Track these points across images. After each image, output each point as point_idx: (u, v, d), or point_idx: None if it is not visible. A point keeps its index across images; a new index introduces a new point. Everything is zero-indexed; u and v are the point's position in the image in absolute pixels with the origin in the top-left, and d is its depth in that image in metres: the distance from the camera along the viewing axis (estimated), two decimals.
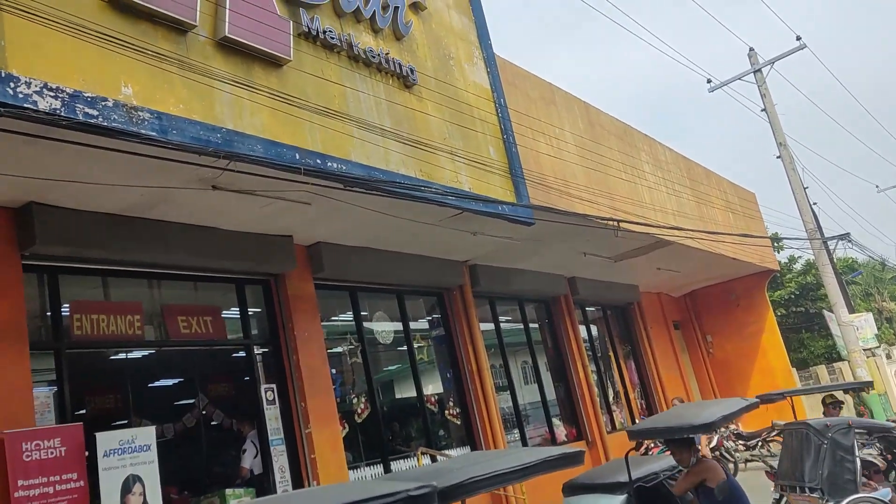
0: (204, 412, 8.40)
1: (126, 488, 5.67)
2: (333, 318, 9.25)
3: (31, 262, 5.87)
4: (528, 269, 11.93)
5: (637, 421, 14.59)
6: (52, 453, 5.42)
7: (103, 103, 4.24)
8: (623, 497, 5.47)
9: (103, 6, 4.53)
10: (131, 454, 5.76)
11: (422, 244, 9.28)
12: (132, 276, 6.76)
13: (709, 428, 5.17)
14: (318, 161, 5.64)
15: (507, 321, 12.57)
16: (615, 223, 8.78)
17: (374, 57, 6.68)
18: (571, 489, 5.88)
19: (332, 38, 6.24)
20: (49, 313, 6.07)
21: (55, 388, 5.89)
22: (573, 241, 10.46)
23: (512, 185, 7.83)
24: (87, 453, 5.59)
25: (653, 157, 12.61)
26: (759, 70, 18.65)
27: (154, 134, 4.41)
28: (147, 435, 5.96)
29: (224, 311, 7.71)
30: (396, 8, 7.16)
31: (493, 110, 8.20)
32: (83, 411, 6.69)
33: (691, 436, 5.95)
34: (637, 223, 9.46)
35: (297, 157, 5.45)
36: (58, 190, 5.61)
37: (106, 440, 5.63)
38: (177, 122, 4.66)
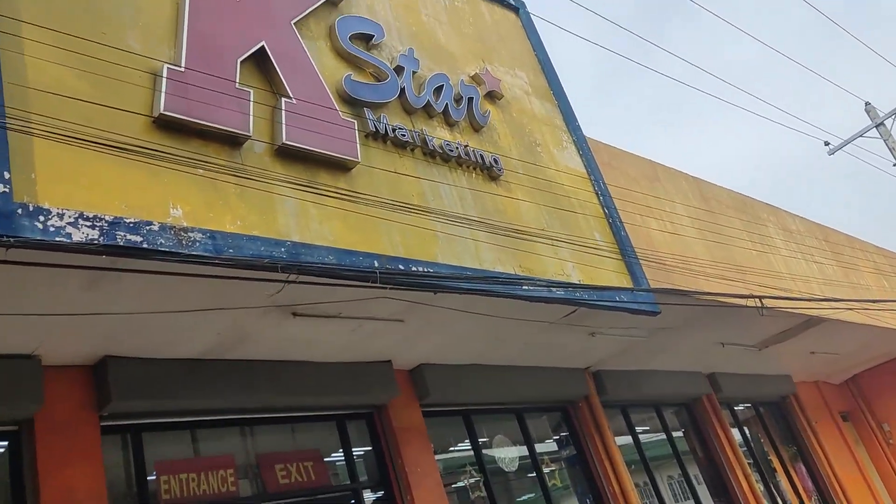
0: None
1: None
2: (449, 449, 8.28)
3: (109, 422, 5.37)
4: (660, 368, 10.62)
5: None
6: None
7: (148, 227, 3.77)
8: None
9: (149, 126, 4.18)
10: None
11: (536, 354, 8.34)
12: (221, 426, 6.16)
13: None
14: (401, 266, 4.97)
15: (646, 431, 11.13)
16: (758, 301, 7.54)
17: (451, 150, 6.12)
18: None
19: (404, 136, 5.75)
20: (133, 478, 5.48)
21: None
22: (707, 330, 9.20)
23: (626, 269, 6.87)
24: None
25: (781, 227, 11.30)
26: (882, 123, 17.16)
27: (207, 254, 3.87)
28: None
29: (326, 454, 6.94)
30: (471, 99, 6.67)
31: (593, 193, 7.41)
32: None
33: None
34: (783, 297, 8.16)
35: (376, 264, 4.80)
36: (132, 340, 5.19)
37: None
38: (234, 240, 4.14)
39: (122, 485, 5.46)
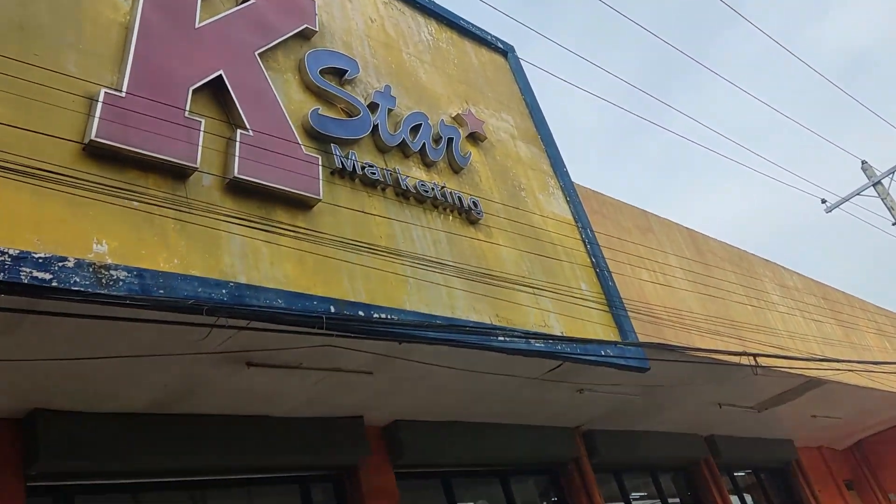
0: None
1: None
2: None
3: (37, 483, 4.85)
4: (655, 429, 10.05)
5: None
6: None
7: (60, 264, 3.34)
8: None
9: (78, 154, 3.80)
10: None
11: (521, 411, 7.81)
12: (167, 489, 5.59)
13: None
14: (361, 313, 4.52)
15: (641, 497, 10.47)
16: (752, 359, 7.06)
17: (427, 191, 5.74)
18: None
19: (374, 174, 5.37)
20: None
21: None
22: (703, 389, 8.67)
23: (614, 322, 6.42)
24: None
25: (779, 283, 10.88)
26: (879, 182, 16.89)
27: (129, 294, 3.43)
28: None
29: None
30: (451, 139, 6.33)
31: (580, 241, 7.01)
32: None
33: None
34: (780, 356, 7.68)
35: (332, 309, 4.35)
36: (65, 391, 4.71)
37: None
38: (166, 280, 3.70)
39: None
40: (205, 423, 5.50)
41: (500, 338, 5.25)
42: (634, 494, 10.25)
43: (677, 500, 10.99)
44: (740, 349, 7.40)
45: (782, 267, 11.39)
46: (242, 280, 4.06)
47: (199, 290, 3.78)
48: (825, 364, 8.62)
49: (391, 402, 6.61)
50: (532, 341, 5.45)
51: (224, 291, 3.89)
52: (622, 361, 6.26)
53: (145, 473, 5.38)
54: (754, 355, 7.00)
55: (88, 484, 5.11)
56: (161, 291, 3.60)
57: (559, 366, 6.37)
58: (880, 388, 11.09)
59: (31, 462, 4.70)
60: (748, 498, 12.34)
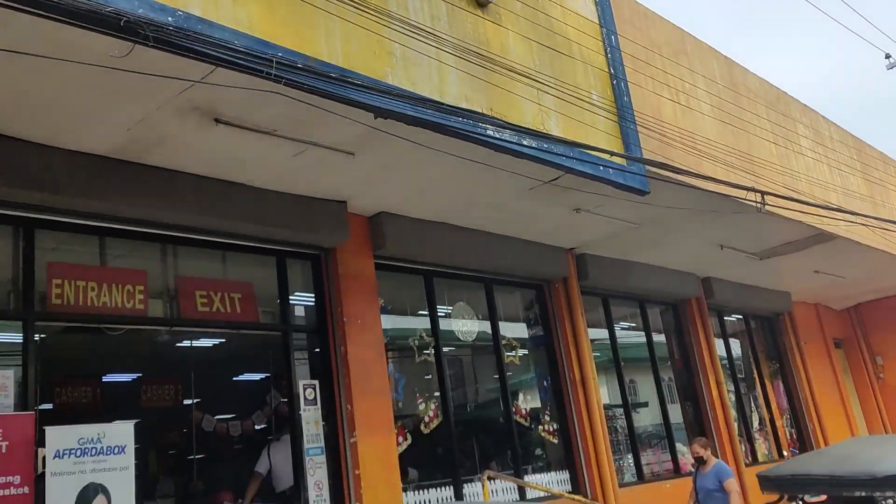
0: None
1: (84, 500, 4.39)
2: (404, 309, 7.69)
3: None
4: (651, 263, 9.90)
5: (785, 455, 12.04)
6: None
7: None
8: None
9: None
10: (95, 457, 4.47)
11: (514, 223, 7.61)
12: (138, 238, 5.51)
13: None
14: (334, 75, 4.11)
15: (628, 326, 10.57)
16: (758, 195, 6.66)
17: None
18: None
19: None
20: (20, 276, 4.90)
21: (19, 368, 4.70)
22: (705, 226, 8.37)
23: (619, 133, 5.97)
24: (44, 454, 4.38)
25: (813, 129, 10.19)
26: None
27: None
28: (122, 434, 4.66)
29: (260, 290, 6.37)
30: None
31: (601, 45, 6.38)
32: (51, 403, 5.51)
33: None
34: (789, 198, 7.25)
35: (299, 64, 3.94)
36: (22, 120, 4.45)
37: (59, 437, 4.36)
38: None
39: (4, 282, 4.91)
40: (176, 179, 5.30)
41: (490, 130, 4.85)
42: (620, 322, 10.32)
43: (662, 336, 11.11)
44: (751, 185, 6.97)
45: (821, 115, 10.63)
46: (196, 12, 3.63)
47: (140, 10, 3.36)
48: (837, 214, 8.20)
49: (377, 192, 6.39)
50: (524, 139, 5.05)
51: (170, 18, 3.47)
52: (620, 179, 5.90)
53: (112, 218, 5.24)
54: (762, 192, 6.59)
55: (49, 219, 5.00)
56: (92, 2, 3.20)
57: (557, 178, 6.04)
58: (894, 251, 10.77)
59: None
60: (733, 341, 12.48)
